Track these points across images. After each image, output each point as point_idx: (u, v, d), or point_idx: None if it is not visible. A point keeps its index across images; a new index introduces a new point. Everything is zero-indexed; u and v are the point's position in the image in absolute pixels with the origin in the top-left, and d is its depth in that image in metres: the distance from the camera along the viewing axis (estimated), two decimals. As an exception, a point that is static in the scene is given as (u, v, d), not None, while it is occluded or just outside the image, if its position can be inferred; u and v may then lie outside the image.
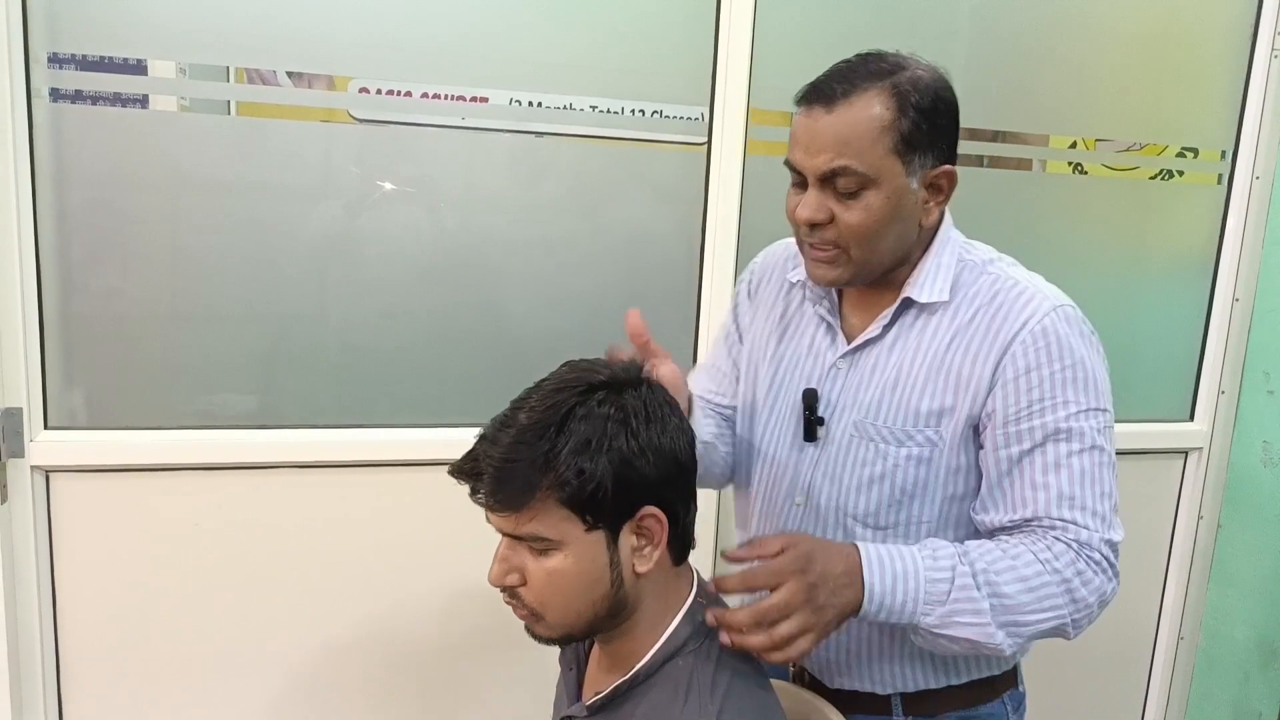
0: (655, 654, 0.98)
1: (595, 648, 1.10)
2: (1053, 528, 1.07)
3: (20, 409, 1.59)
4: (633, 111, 1.79)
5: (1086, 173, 2.06)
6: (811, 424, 1.18)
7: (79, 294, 1.63)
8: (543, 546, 0.92)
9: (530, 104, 1.75)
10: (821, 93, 1.05)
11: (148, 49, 1.58)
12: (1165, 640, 2.33)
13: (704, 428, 1.25)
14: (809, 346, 1.22)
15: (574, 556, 0.92)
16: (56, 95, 1.56)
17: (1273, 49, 2.08)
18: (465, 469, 0.94)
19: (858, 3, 1.87)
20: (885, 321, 1.15)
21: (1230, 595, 2.25)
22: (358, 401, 1.76)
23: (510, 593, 0.97)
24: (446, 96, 1.71)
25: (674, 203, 1.85)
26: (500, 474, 0.91)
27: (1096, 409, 1.10)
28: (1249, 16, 2.08)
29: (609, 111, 1.79)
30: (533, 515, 0.91)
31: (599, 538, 0.92)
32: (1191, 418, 2.24)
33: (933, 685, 1.20)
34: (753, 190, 1.84)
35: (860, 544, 1.06)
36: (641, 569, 0.95)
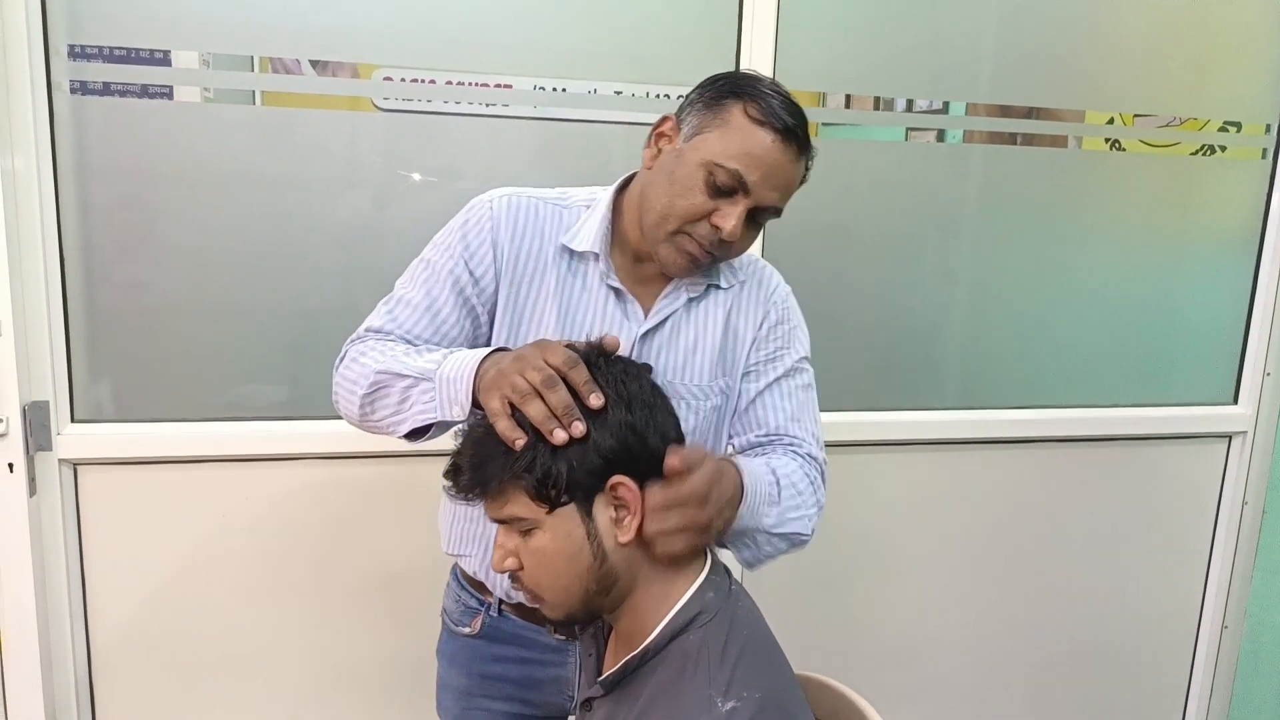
0: (663, 630, 0.98)
1: (612, 632, 1.10)
2: (793, 445, 1.26)
3: (47, 402, 1.61)
4: (657, 96, 1.77)
5: (1124, 149, 2.01)
6: None
7: (104, 287, 1.63)
8: (524, 528, 0.96)
9: (554, 90, 1.73)
10: (796, 138, 1.13)
11: (171, 40, 1.58)
12: (1208, 630, 2.29)
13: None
14: (601, 316, 1.24)
15: (550, 533, 0.95)
16: (79, 88, 1.56)
17: (1318, 19, 2.02)
18: (449, 467, 1.00)
19: (885, -20, 1.84)
20: (693, 296, 1.26)
21: (1275, 583, 2.20)
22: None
23: (513, 578, 1.00)
24: (470, 84, 1.70)
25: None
26: (462, 464, 0.97)
27: (809, 358, 1.32)
28: (1293, -15, 2.03)
29: (633, 96, 1.77)
30: (505, 501, 0.95)
31: (570, 512, 0.95)
32: (1235, 401, 2.20)
33: None
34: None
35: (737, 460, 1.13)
36: (624, 539, 0.96)
